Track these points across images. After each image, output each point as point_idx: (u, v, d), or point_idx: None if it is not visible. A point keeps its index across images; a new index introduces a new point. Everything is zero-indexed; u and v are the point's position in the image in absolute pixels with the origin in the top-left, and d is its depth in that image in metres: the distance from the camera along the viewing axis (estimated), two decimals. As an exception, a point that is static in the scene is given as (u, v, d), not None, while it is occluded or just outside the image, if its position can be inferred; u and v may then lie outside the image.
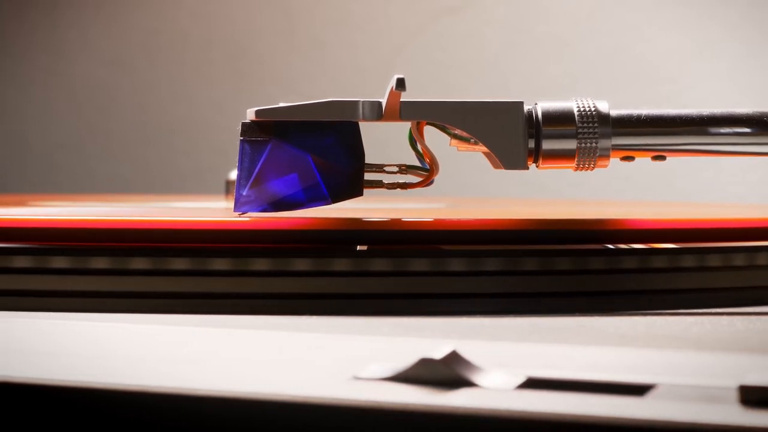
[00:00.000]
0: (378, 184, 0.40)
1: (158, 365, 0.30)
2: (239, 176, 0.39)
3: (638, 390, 0.27)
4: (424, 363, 0.28)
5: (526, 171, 0.40)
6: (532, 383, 0.28)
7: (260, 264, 0.38)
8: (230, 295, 0.38)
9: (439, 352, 0.28)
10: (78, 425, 0.29)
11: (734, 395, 0.26)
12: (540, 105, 0.40)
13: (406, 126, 0.40)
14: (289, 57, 0.99)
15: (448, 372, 0.28)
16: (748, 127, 0.40)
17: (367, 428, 0.27)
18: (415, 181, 0.40)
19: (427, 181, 0.40)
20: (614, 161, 0.40)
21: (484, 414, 0.26)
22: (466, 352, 0.28)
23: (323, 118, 0.39)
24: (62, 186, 1.03)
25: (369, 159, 0.40)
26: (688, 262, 0.40)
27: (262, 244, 0.38)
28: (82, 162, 1.04)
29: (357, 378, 0.28)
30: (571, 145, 0.39)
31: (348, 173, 0.40)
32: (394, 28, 0.96)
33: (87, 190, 1.01)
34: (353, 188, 0.40)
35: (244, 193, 0.39)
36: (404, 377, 0.28)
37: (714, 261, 0.40)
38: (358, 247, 0.38)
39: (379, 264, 0.38)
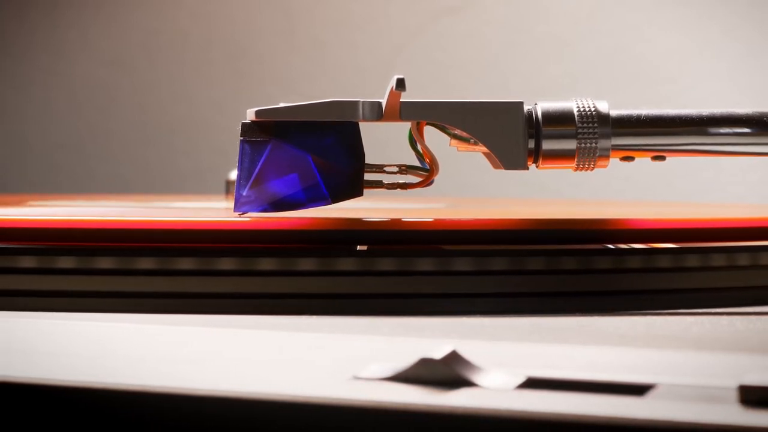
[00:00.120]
0: (378, 184, 0.40)
1: (158, 365, 0.30)
2: (239, 176, 0.39)
3: (638, 390, 0.27)
4: (424, 363, 0.28)
5: (526, 171, 0.40)
6: (532, 383, 0.28)
7: (265, 264, 0.38)
8: (235, 295, 0.38)
9: (439, 352, 0.28)
10: (78, 425, 0.29)
11: (734, 395, 0.26)
12: (540, 105, 0.40)
13: (406, 126, 0.40)
14: (289, 57, 0.99)
15: (448, 372, 0.28)
16: (748, 127, 0.40)
17: (367, 428, 0.27)
18: (415, 181, 0.40)
19: (427, 182, 0.40)
20: (614, 161, 0.40)
21: (484, 414, 0.26)
22: (466, 352, 0.28)
23: (323, 118, 0.39)
24: (62, 186, 1.03)
25: (369, 159, 0.40)
26: (693, 261, 0.40)
27: (268, 245, 0.38)
28: (82, 162, 1.04)
29: (357, 378, 0.28)
30: (570, 145, 0.39)
31: (348, 173, 0.40)
32: (394, 28, 0.96)
33: (87, 190, 1.01)
34: (353, 188, 0.40)
35: (244, 193, 0.39)
36: (404, 377, 0.28)
37: (718, 261, 0.40)
38: (358, 247, 0.38)
39: (385, 264, 0.38)
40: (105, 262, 0.37)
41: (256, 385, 0.28)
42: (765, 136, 0.40)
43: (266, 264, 0.38)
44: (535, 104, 0.40)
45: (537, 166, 0.40)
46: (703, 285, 0.40)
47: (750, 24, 0.87)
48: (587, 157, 0.40)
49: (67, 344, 0.33)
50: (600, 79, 0.90)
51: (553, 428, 0.26)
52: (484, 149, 0.39)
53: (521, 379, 0.28)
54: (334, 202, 0.40)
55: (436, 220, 0.39)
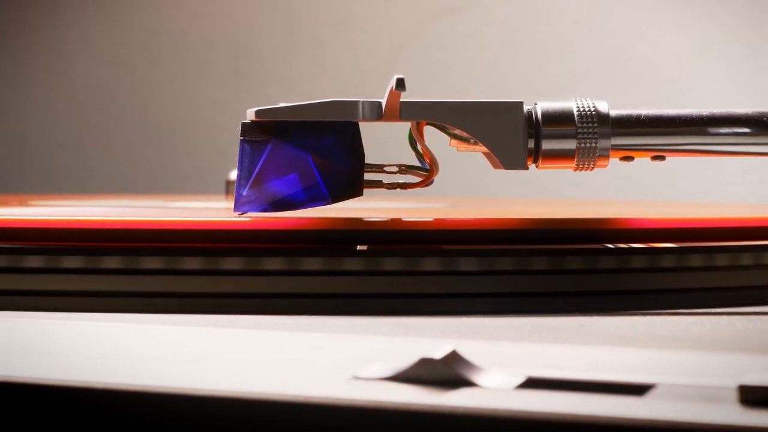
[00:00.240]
0: (378, 184, 0.40)
1: (158, 365, 0.30)
2: (239, 176, 0.39)
3: (638, 390, 0.27)
4: (424, 363, 0.28)
5: (525, 171, 0.40)
6: (532, 383, 0.28)
7: (270, 264, 0.38)
8: (240, 295, 0.38)
9: (439, 352, 0.28)
10: (78, 425, 0.29)
11: (734, 395, 0.26)
12: (540, 105, 0.40)
13: (406, 126, 0.40)
14: (289, 57, 0.99)
15: (448, 372, 0.28)
16: (748, 127, 0.40)
17: (367, 428, 0.27)
18: (415, 181, 0.40)
19: (427, 181, 0.40)
20: (614, 161, 0.40)
21: (484, 414, 0.26)
22: (466, 352, 0.28)
23: (323, 118, 0.39)
24: (62, 186, 1.03)
25: (369, 159, 0.40)
26: (696, 261, 0.40)
27: (272, 245, 0.38)
28: (82, 162, 1.04)
29: (357, 378, 0.28)
30: (570, 145, 0.39)
31: (348, 173, 0.40)
32: (394, 28, 0.96)
33: (87, 190, 1.01)
34: (353, 188, 0.40)
35: (244, 193, 0.39)
36: (404, 377, 0.28)
37: (721, 261, 0.40)
38: (358, 247, 0.38)
39: (387, 264, 0.38)
40: (110, 262, 0.37)
41: (256, 385, 0.28)
42: (765, 136, 0.40)
43: (270, 264, 0.38)
44: (535, 104, 0.40)
45: (537, 166, 0.40)
46: (706, 285, 0.40)
47: (750, 24, 0.87)
48: (587, 157, 0.40)
49: (67, 344, 0.33)
50: (600, 79, 0.90)
51: (553, 428, 0.26)
52: (484, 149, 0.39)
53: (521, 379, 0.28)
54: (334, 202, 0.40)
55: (437, 219, 0.39)
